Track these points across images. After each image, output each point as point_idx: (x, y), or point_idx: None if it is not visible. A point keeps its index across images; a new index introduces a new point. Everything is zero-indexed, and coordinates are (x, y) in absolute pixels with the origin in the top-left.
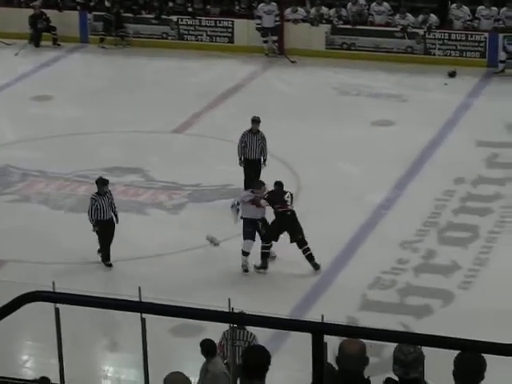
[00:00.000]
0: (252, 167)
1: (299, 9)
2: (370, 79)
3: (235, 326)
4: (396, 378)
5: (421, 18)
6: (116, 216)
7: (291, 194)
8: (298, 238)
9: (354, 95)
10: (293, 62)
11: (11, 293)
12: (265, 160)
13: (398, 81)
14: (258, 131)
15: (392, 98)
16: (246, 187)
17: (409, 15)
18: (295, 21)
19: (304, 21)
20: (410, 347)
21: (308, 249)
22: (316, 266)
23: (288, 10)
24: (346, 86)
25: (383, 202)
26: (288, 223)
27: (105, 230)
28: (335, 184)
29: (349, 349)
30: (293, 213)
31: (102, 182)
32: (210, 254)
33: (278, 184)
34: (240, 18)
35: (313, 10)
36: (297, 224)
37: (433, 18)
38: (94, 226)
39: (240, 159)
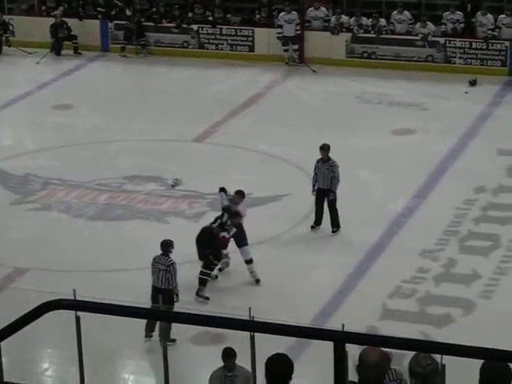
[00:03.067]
0: (323, 197)
1: (322, 7)
2: (390, 88)
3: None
4: None
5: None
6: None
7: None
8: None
9: (374, 104)
10: (314, 71)
11: (32, 301)
12: (332, 191)
13: (419, 89)
14: (329, 159)
15: (413, 107)
16: (317, 217)
17: (429, 24)
18: (316, 18)
19: (325, 24)
20: (427, 359)
21: (205, 273)
22: (198, 293)
23: (310, 9)
24: (367, 95)
25: (403, 210)
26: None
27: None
28: (356, 192)
29: (369, 357)
30: (201, 231)
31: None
32: (233, 261)
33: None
34: (260, 26)
35: (333, 19)
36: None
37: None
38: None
39: (313, 187)
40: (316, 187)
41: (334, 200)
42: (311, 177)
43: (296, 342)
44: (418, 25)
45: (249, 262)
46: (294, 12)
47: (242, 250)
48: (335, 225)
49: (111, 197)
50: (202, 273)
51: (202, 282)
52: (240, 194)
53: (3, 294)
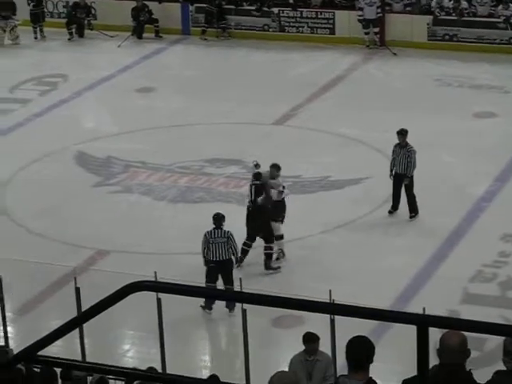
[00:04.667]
0: (400, 181)
1: None
2: (472, 71)
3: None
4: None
5: None
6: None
7: (254, 186)
8: (260, 236)
9: (455, 87)
10: (394, 53)
11: (114, 283)
12: (407, 176)
13: (501, 72)
14: (407, 144)
15: (494, 90)
16: (394, 201)
17: None
18: (397, 1)
19: (407, 5)
20: None
21: (269, 247)
22: (267, 266)
23: None
24: (448, 78)
25: (484, 194)
26: (248, 217)
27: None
28: (437, 176)
29: (450, 341)
30: (253, 208)
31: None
32: (312, 244)
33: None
34: (341, 9)
35: None
36: (257, 220)
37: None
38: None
39: (390, 171)
40: (393, 172)
41: (411, 185)
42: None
43: (376, 325)
44: (500, 7)
45: (279, 237)
46: None
47: (273, 225)
48: (413, 210)
49: (192, 179)
50: (266, 248)
51: (269, 256)
52: (275, 168)
53: (85, 276)
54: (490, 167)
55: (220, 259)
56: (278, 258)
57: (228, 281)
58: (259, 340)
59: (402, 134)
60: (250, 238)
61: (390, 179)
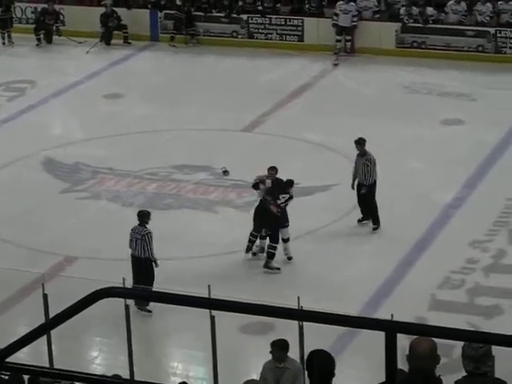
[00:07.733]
0: (360, 191)
1: None
2: (440, 78)
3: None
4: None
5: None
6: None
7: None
8: (266, 232)
9: (424, 94)
10: (335, 62)
11: (82, 289)
12: (364, 185)
13: (469, 80)
14: (365, 153)
15: (462, 97)
16: (363, 213)
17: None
18: (366, 9)
19: (375, 12)
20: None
21: (273, 247)
22: (266, 265)
23: None
24: (417, 85)
25: (453, 201)
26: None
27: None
28: (404, 183)
29: (420, 347)
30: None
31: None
32: (280, 252)
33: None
34: (310, 16)
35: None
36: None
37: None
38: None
39: (352, 181)
40: (357, 181)
41: (370, 194)
42: None
43: (344, 332)
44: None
45: (286, 240)
46: (352, 3)
47: (281, 230)
48: (374, 221)
49: (160, 186)
50: (270, 246)
51: (271, 256)
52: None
53: (53, 283)
54: (458, 174)
55: (134, 254)
56: (289, 258)
57: (142, 279)
58: (228, 347)
59: (360, 143)
60: (256, 229)
61: (353, 190)
